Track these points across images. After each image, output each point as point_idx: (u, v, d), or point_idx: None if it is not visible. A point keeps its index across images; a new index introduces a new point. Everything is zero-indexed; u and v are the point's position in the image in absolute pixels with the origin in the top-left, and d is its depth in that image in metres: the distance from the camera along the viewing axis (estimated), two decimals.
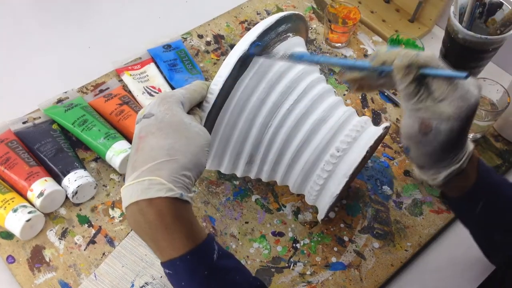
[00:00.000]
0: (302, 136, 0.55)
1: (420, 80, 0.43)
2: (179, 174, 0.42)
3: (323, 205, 0.58)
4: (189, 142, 0.44)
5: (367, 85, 0.49)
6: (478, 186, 0.48)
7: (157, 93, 0.75)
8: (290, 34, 0.57)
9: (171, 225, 0.41)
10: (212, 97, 0.50)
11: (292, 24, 0.57)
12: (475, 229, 0.52)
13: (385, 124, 0.58)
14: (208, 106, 0.50)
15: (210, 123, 0.52)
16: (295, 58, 0.51)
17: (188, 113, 0.49)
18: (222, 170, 0.59)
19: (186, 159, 0.43)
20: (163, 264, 0.43)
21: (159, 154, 0.42)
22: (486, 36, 0.68)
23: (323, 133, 0.55)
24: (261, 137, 0.55)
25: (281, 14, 0.55)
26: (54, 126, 0.70)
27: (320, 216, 0.59)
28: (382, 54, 0.45)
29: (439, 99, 0.42)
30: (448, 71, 0.42)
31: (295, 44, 0.57)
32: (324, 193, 0.57)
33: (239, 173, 0.59)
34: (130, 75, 0.77)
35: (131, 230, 0.64)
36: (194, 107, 0.50)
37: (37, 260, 0.61)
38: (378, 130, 0.56)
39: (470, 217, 0.51)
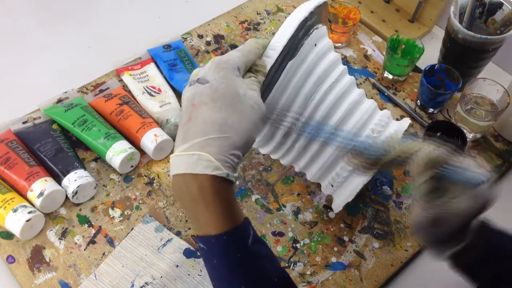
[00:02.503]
0: (340, 115, 0.55)
1: (437, 178, 0.42)
2: (228, 153, 0.42)
3: (354, 186, 0.57)
4: (242, 118, 0.43)
5: (373, 167, 0.47)
6: (485, 259, 0.46)
7: (158, 93, 0.75)
8: (319, 25, 0.56)
9: (212, 203, 0.41)
10: (274, 53, 0.49)
11: (320, 14, 0.56)
12: None
13: (407, 118, 0.59)
14: (270, 61, 0.49)
15: (267, 83, 0.50)
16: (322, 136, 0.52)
17: (244, 76, 0.47)
18: (257, 140, 0.58)
19: (237, 137, 0.43)
20: (199, 238, 0.43)
21: (211, 129, 0.42)
22: (486, 36, 0.68)
23: (359, 114, 0.56)
24: (302, 109, 0.55)
25: None
26: (54, 126, 0.70)
27: (349, 197, 0.58)
28: (400, 146, 0.43)
29: (453, 196, 0.42)
30: (468, 175, 0.42)
31: (321, 35, 0.57)
32: (356, 174, 0.57)
33: (271, 146, 0.58)
34: (130, 75, 0.77)
35: (131, 230, 0.64)
36: (250, 68, 0.49)
37: (37, 260, 0.61)
38: (405, 121, 0.58)
39: (479, 283, 0.49)
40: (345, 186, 0.58)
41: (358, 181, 0.56)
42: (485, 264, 0.47)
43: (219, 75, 0.44)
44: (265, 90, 0.50)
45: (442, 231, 0.44)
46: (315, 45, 0.54)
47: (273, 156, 0.61)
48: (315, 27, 0.54)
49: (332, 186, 0.59)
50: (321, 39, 0.55)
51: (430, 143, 0.43)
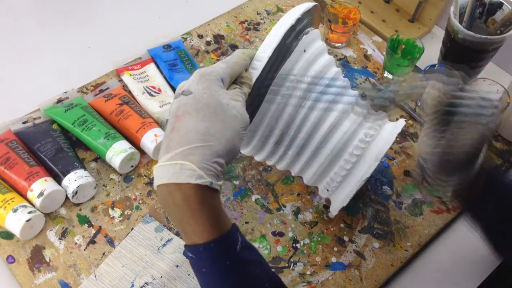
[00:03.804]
0: (332, 120, 0.55)
1: (446, 112, 0.45)
2: (211, 161, 0.42)
3: (347, 191, 0.57)
4: (225, 127, 0.44)
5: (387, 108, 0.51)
6: (487, 193, 0.50)
7: (158, 93, 0.75)
8: (310, 29, 0.56)
9: (198, 212, 0.41)
10: (260, 64, 0.49)
11: (310, 18, 0.56)
12: (486, 227, 0.53)
13: (403, 120, 0.59)
14: (255, 73, 0.49)
15: (254, 93, 0.50)
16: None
17: (229, 88, 0.48)
18: (248, 150, 0.58)
19: (220, 145, 0.43)
20: (187, 247, 0.43)
21: (194, 138, 0.42)
22: (486, 36, 0.68)
23: (353, 118, 0.56)
24: (293, 117, 0.54)
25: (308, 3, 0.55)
26: (54, 126, 0.70)
27: (343, 202, 0.58)
28: (408, 88, 0.47)
29: (461, 127, 0.44)
30: (475, 108, 0.45)
31: (312, 39, 0.56)
32: (349, 180, 0.57)
33: (264, 154, 0.58)
34: (130, 75, 0.77)
35: (131, 230, 0.64)
36: (236, 80, 0.49)
37: (37, 260, 0.61)
38: (400, 122, 0.58)
39: (481, 217, 0.52)
40: (340, 191, 0.58)
41: (353, 186, 0.56)
42: (484, 199, 0.50)
43: (202, 86, 0.45)
44: (254, 100, 0.50)
45: (450, 162, 0.46)
46: (304, 51, 0.54)
47: (268, 163, 0.61)
48: (304, 32, 0.53)
49: (327, 190, 0.59)
50: (312, 43, 0.55)
51: (436, 83, 0.45)
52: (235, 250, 0.42)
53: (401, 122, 0.58)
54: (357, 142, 0.56)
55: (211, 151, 0.42)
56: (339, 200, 0.58)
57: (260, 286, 0.43)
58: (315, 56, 0.55)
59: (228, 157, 0.44)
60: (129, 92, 0.76)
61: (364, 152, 0.56)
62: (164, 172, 0.42)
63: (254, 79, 0.49)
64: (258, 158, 0.59)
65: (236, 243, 0.43)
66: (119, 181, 0.68)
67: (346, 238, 0.64)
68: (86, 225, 0.64)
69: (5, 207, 0.61)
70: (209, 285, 0.43)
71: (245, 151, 0.59)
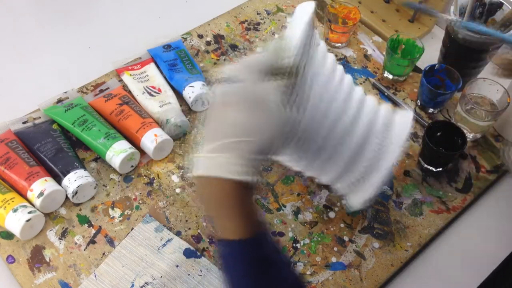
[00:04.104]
0: (353, 112, 0.55)
1: None
2: (254, 157, 0.42)
3: (372, 182, 0.56)
4: (269, 122, 0.43)
5: None
6: None
7: (158, 93, 0.75)
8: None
9: (234, 209, 0.41)
10: (296, 58, 0.48)
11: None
12: None
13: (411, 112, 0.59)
14: (293, 66, 0.48)
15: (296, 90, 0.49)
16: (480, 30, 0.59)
17: (271, 79, 0.46)
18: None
19: (263, 141, 0.42)
20: (219, 241, 0.43)
21: (237, 131, 0.42)
22: (486, 36, 0.68)
23: (369, 107, 0.56)
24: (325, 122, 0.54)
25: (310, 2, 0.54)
26: (54, 126, 0.70)
27: (370, 193, 0.57)
28: None
29: None
30: None
31: (317, 38, 0.57)
32: (378, 168, 0.56)
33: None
34: (130, 75, 0.77)
35: (131, 230, 0.64)
36: (276, 73, 0.48)
37: (37, 260, 0.61)
38: (409, 112, 0.58)
39: None
40: (365, 183, 0.57)
41: (381, 174, 0.55)
42: None
43: (248, 77, 0.44)
44: (297, 95, 0.49)
45: None
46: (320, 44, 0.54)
47: (288, 164, 0.60)
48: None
49: (351, 186, 0.58)
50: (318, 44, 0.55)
51: None
52: (263, 251, 0.43)
53: (409, 112, 0.58)
54: (376, 130, 0.55)
55: (253, 146, 0.42)
56: (365, 190, 0.57)
57: None
58: (324, 54, 0.55)
59: (270, 153, 0.44)
60: (129, 92, 0.76)
61: (385, 139, 0.55)
62: (203, 163, 0.41)
63: (293, 70, 0.47)
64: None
65: (266, 244, 0.43)
66: (119, 181, 0.68)
67: (346, 238, 0.64)
68: (86, 225, 0.64)
69: (5, 207, 0.61)
70: (232, 281, 0.43)
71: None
